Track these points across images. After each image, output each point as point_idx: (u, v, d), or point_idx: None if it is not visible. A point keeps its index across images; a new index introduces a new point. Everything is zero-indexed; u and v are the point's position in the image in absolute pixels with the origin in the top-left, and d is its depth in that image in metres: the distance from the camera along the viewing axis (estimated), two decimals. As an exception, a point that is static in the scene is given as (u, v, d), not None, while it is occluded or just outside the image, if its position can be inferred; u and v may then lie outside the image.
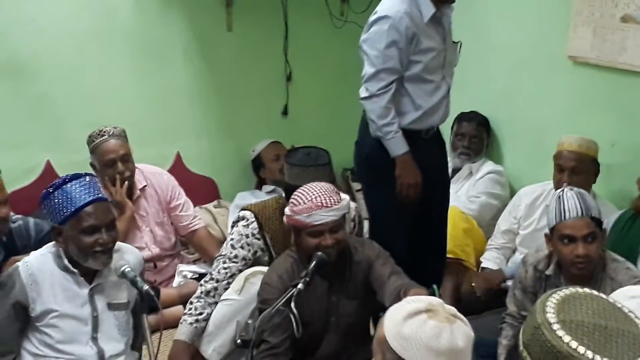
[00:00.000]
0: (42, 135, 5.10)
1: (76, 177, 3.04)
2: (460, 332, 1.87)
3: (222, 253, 3.99)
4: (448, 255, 4.52)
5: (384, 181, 3.99)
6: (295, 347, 3.36)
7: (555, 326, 1.19)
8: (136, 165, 4.55)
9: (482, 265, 4.73)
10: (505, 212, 4.83)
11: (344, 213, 3.35)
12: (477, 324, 4.27)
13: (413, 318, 1.88)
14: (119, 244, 3.17)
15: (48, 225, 3.87)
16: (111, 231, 3.00)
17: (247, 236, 3.94)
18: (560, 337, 1.17)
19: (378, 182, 4.05)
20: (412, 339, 1.85)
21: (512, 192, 5.04)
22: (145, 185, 4.61)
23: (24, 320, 3.05)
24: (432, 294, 2.80)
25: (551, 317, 1.20)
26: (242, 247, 3.95)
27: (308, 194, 3.31)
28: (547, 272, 3.40)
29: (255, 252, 3.95)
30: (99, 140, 4.38)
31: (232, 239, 3.97)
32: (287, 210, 3.36)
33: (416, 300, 1.95)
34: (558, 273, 3.39)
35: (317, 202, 3.27)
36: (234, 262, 3.93)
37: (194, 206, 4.96)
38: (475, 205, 5.01)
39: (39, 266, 3.06)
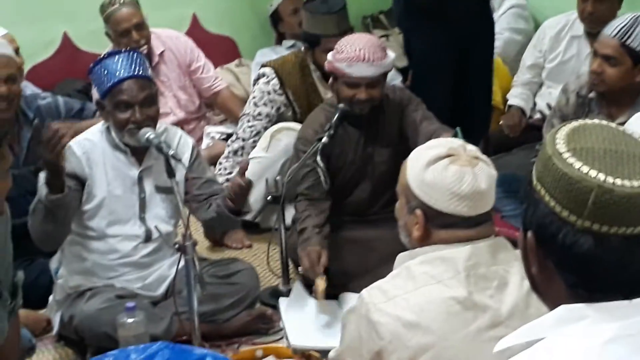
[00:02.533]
0: (57, 6, 5.04)
1: (117, 52, 3.05)
2: (483, 173, 1.88)
3: (246, 112, 4.03)
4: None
5: (425, 22, 3.90)
6: (330, 195, 3.40)
7: (566, 155, 1.20)
8: (152, 30, 4.50)
9: (509, 102, 4.70)
10: (529, 47, 4.75)
11: (385, 71, 3.31)
12: (507, 161, 4.35)
13: (434, 165, 1.88)
14: (174, 129, 3.22)
15: (77, 103, 3.89)
16: (146, 109, 2.98)
17: (268, 93, 3.95)
18: (571, 164, 1.18)
19: (418, 24, 3.97)
20: (435, 185, 1.86)
21: (536, 26, 4.94)
22: (163, 51, 4.58)
23: (80, 195, 3.05)
24: (456, 136, 2.79)
25: (561, 147, 1.21)
26: (264, 105, 3.97)
27: (354, 44, 3.27)
28: (590, 96, 3.36)
29: (279, 108, 3.96)
30: (110, 9, 4.32)
31: (254, 97, 4.00)
32: (330, 55, 3.33)
33: (437, 146, 1.95)
34: (600, 98, 3.35)
35: (361, 54, 3.23)
36: (258, 119, 3.97)
37: (215, 67, 4.93)
38: (499, 42, 4.92)
39: (92, 145, 3.07)
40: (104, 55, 3.09)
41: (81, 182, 3.05)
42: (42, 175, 2.85)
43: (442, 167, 1.87)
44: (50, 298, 3.20)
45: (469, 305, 1.81)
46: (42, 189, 2.82)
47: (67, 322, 3.05)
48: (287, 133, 3.89)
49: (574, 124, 1.26)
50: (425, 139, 3.18)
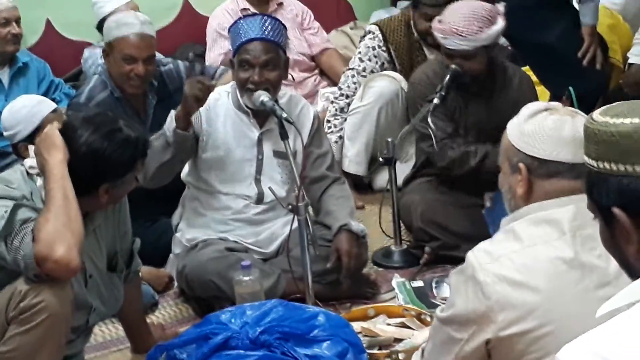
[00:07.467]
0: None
1: (252, 15, 3.21)
2: (582, 123, 1.88)
3: (351, 67, 4.17)
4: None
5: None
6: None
7: (602, 119, 1.21)
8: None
9: (630, 61, 4.55)
10: (652, 3, 4.59)
11: (484, 44, 3.24)
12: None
13: (534, 117, 1.91)
14: (298, 98, 3.31)
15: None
16: (267, 72, 3.04)
17: (373, 48, 4.08)
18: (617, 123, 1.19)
19: None
20: (536, 133, 1.88)
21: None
22: (281, 2, 4.70)
23: (193, 145, 3.14)
24: (570, 96, 2.76)
25: (597, 115, 1.23)
26: (369, 60, 4.09)
27: (453, 15, 3.26)
28: None
29: (382, 64, 4.09)
30: None
31: (359, 52, 4.15)
32: (434, 22, 3.35)
33: (535, 104, 1.98)
34: None
35: (454, 27, 3.22)
36: (362, 75, 4.10)
37: (330, 29, 4.98)
38: (620, -1, 4.78)
39: (215, 102, 3.16)
40: (242, 16, 3.29)
41: (196, 135, 3.13)
42: (172, 112, 2.99)
43: (542, 117, 1.90)
44: (171, 255, 3.32)
45: (576, 265, 1.80)
46: (171, 123, 2.96)
47: (180, 271, 3.15)
48: (380, 78, 4.03)
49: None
50: None
